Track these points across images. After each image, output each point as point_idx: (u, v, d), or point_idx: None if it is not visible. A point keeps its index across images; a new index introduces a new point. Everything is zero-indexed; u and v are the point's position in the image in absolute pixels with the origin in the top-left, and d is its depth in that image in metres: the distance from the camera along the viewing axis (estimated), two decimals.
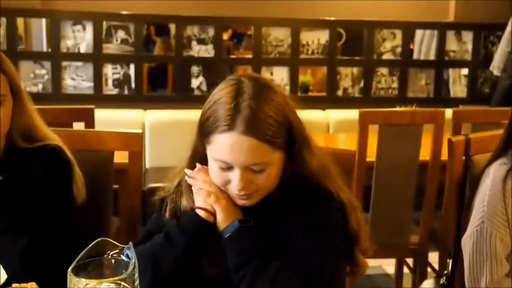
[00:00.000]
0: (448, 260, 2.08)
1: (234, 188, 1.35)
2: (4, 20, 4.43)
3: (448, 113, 3.01)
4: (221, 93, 1.35)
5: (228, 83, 1.38)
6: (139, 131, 2.10)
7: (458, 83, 5.24)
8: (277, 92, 1.38)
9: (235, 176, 1.33)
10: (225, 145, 1.31)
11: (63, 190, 1.69)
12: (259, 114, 1.30)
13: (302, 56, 4.84)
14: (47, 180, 1.65)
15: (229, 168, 1.34)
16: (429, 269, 3.10)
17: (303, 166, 1.39)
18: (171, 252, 1.38)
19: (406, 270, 3.37)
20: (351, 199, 1.46)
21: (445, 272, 2.05)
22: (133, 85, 4.66)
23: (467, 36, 5.10)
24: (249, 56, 4.98)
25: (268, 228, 1.40)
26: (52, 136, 1.73)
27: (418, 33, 5.26)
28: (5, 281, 1.39)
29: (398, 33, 4.97)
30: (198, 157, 1.43)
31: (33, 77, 4.57)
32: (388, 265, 3.75)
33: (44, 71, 4.56)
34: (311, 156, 1.40)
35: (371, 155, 2.86)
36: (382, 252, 3.00)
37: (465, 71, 5.19)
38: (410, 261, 3.30)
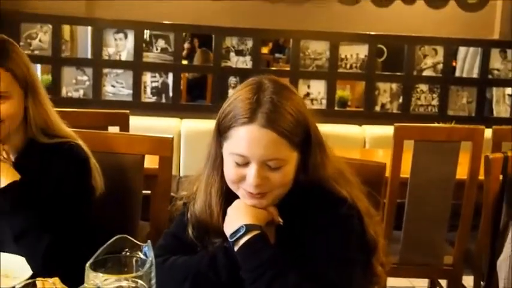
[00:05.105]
0: (481, 283, 2.02)
1: (248, 185, 1.34)
2: (50, 26, 4.53)
3: (489, 132, 2.94)
4: (241, 92, 1.37)
5: (248, 82, 1.40)
6: (171, 135, 2.11)
7: (502, 102, 5.12)
8: (296, 94, 1.41)
9: (251, 171, 1.32)
10: (244, 138, 1.31)
11: (81, 188, 1.72)
12: (280, 109, 1.31)
13: (340, 70, 4.80)
14: (64, 179, 1.69)
15: (245, 164, 1.33)
16: None
17: (317, 170, 1.38)
18: (215, 280, 1.37)
19: None
20: (368, 208, 1.44)
21: None
22: (171, 94, 4.70)
23: None
24: (287, 68, 4.96)
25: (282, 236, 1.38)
26: (69, 133, 1.77)
27: (462, 50, 5.17)
28: (30, 276, 1.40)
29: (440, 49, 4.89)
30: (214, 160, 1.43)
31: (75, 83, 4.65)
32: (421, 286, 3.67)
33: (85, 77, 4.64)
34: (326, 161, 1.40)
35: (405, 171, 2.81)
36: (414, 271, 2.97)
37: (509, 90, 5.06)
38: (443, 282, 3.22)
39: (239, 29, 4.70)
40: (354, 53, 4.83)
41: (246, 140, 1.31)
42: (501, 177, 2.25)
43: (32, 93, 1.69)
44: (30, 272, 1.42)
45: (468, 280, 2.97)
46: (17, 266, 1.46)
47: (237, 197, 1.40)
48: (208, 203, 1.43)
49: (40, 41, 4.57)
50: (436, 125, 3.28)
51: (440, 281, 3.30)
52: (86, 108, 3.30)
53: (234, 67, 4.72)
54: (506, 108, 5.09)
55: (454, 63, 5.17)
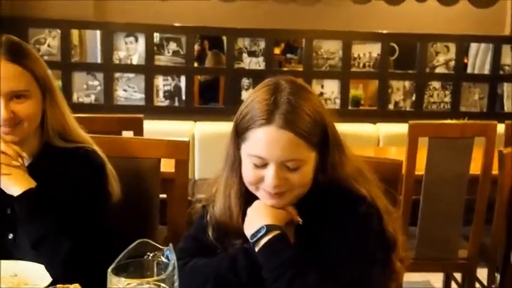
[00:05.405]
0: (496, 275, 2.03)
1: (267, 186, 1.35)
2: (58, 31, 4.52)
3: (501, 127, 2.94)
4: (258, 93, 1.38)
5: (265, 83, 1.41)
6: (187, 139, 2.12)
7: None
8: (314, 94, 1.41)
9: (269, 172, 1.33)
10: (261, 139, 1.32)
11: (98, 194, 1.71)
12: (298, 110, 1.32)
13: (353, 69, 4.80)
14: (81, 185, 1.67)
15: (263, 165, 1.34)
16: (478, 285, 3.03)
17: (336, 169, 1.39)
18: (236, 282, 1.37)
19: (454, 285, 3.30)
20: (387, 206, 1.45)
21: (493, 286, 1.99)
22: (183, 97, 4.70)
23: None
24: (300, 68, 4.97)
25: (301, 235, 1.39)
26: (86, 138, 1.76)
27: (473, 46, 5.15)
28: (50, 283, 1.40)
29: (452, 46, 4.88)
30: (232, 162, 1.43)
31: (85, 88, 4.64)
32: (436, 280, 3.68)
33: (96, 82, 4.63)
34: (344, 160, 1.41)
35: (420, 168, 2.82)
36: (429, 266, 3.00)
37: None
38: (458, 276, 3.23)
39: (251, 29, 4.69)
40: (367, 52, 4.83)
41: (264, 141, 1.31)
42: None
43: (50, 96, 1.68)
44: (49, 279, 1.40)
45: (482, 273, 2.98)
46: (36, 274, 1.45)
47: (256, 197, 1.41)
48: (227, 204, 1.44)
49: (49, 46, 4.56)
50: (449, 121, 3.28)
51: (455, 274, 3.31)
52: (98, 113, 3.31)
53: (247, 68, 4.72)
54: None
55: (465, 60, 5.15)
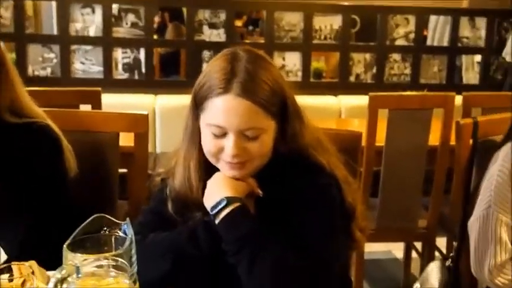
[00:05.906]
0: (454, 243, 2.07)
1: (227, 156, 1.34)
2: (11, 1, 4.34)
3: (459, 99, 2.98)
4: (216, 62, 1.37)
5: (223, 53, 1.39)
6: (146, 112, 2.10)
7: (471, 69, 5.19)
8: (273, 65, 1.40)
9: (228, 142, 1.32)
10: (220, 108, 1.30)
11: (53, 169, 1.66)
12: (255, 78, 1.31)
13: (315, 41, 4.78)
14: (35, 160, 1.62)
15: (222, 135, 1.33)
16: (437, 254, 3.10)
17: (296, 139, 1.39)
18: (196, 254, 1.36)
19: (414, 254, 3.36)
20: (346, 176, 1.46)
21: (451, 254, 2.03)
22: (143, 70, 4.61)
23: (481, 22, 5.01)
24: (262, 41, 4.94)
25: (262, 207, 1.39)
26: (39, 113, 1.70)
27: (432, 19, 5.20)
28: (5, 261, 1.37)
29: (412, 19, 4.90)
30: (191, 133, 1.41)
31: (41, 61, 4.50)
32: (397, 250, 3.75)
33: (52, 55, 4.49)
34: (304, 130, 1.41)
35: (381, 140, 2.84)
36: (390, 236, 3.06)
37: (478, 57, 5.12)
38: (418, 245, 3.30)
39: (211, 1, 4.62)
40: (328, 24, 4.81)
41: (222, 110, 1.30)
42: (471, 141, 2.29)
43: (3, 69, 1.61)
44: (4, 257, 1.39)
45: (441, 241, 3.05)
46: None
47: (216, 169, 1.40)
48: (187, 176, 1.42)
49: (1, 17, 4.39)
50: (409, 93, 3.31)
51: (415, 243, 3.38)
52: (54, 87, 3.22)
53: (208, 41, 4.65)
54: (474, 75, 5.17)
55: (425, 33, 5.20)
